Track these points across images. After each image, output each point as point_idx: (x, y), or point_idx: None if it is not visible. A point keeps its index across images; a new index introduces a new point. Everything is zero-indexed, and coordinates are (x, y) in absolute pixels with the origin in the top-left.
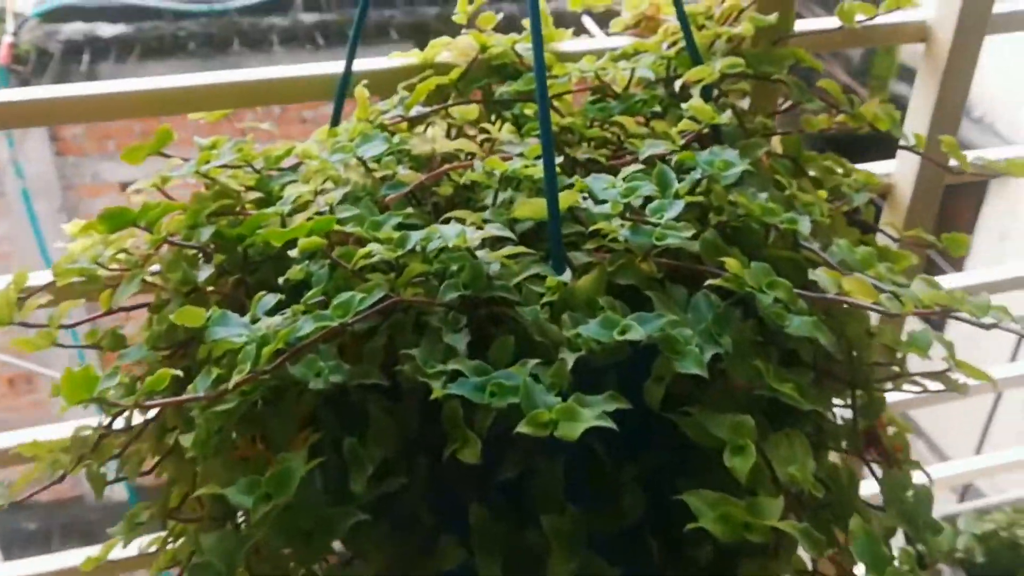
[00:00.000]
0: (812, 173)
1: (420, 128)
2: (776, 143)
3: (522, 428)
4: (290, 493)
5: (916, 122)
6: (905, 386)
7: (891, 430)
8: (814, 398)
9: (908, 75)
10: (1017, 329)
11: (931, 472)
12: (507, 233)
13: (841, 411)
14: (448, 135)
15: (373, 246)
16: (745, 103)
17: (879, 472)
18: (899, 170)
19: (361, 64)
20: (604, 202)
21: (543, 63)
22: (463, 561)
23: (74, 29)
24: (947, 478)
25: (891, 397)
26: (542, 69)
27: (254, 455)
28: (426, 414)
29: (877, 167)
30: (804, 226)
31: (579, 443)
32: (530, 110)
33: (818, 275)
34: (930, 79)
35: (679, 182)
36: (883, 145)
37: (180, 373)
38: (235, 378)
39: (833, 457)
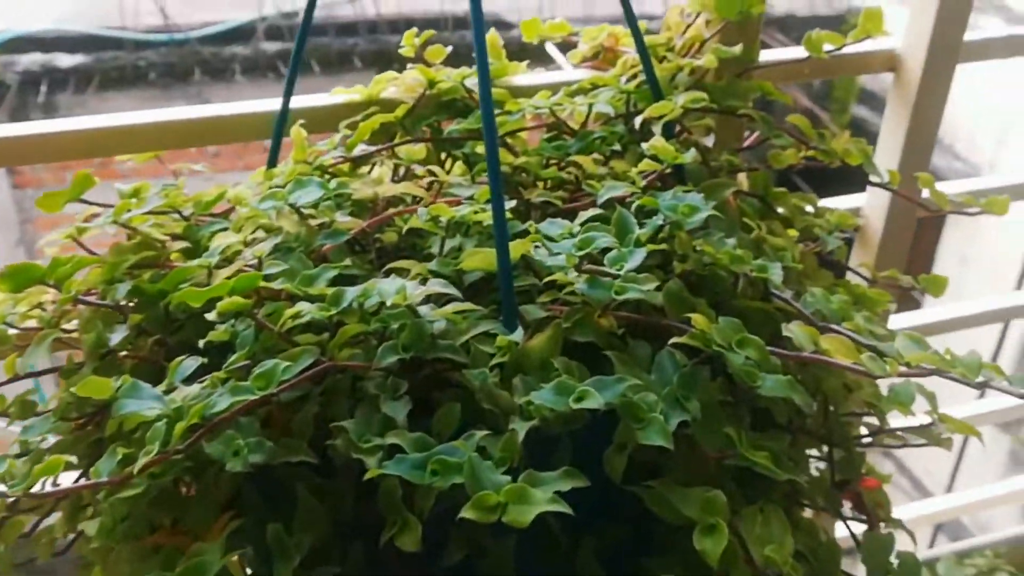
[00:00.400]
0: (781, 211)
1: (364, 169)
2: (742, 178)
3: (467, 513)
4: None
5: (886, 155)
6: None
7: (870, 479)
8: (791, 467)
9: (868, 98)
10: (1008, 389)
11: (909, 510)
12: (452, 291)
13: (817, 462)
14: (395, 176)
15: (303, 305)
16: (709, 140)
17: (855, 528)
18: (870, 204)
19: (300, 101)
20: (559, 254)
21: (490, 100)
22: None
23: (31, 60)
24: (926, 516)
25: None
26: (489, 105)
27: (170, 542)
28: (362, 493)
29: (846, 201)
30: (776, 274)
31: (535, 520)
32: (482, 148)
33: (792, 331)
34: (900, 109)
35: (640, 227)
36: (849, 172)
37: (74, 460)
38: (142, 460)
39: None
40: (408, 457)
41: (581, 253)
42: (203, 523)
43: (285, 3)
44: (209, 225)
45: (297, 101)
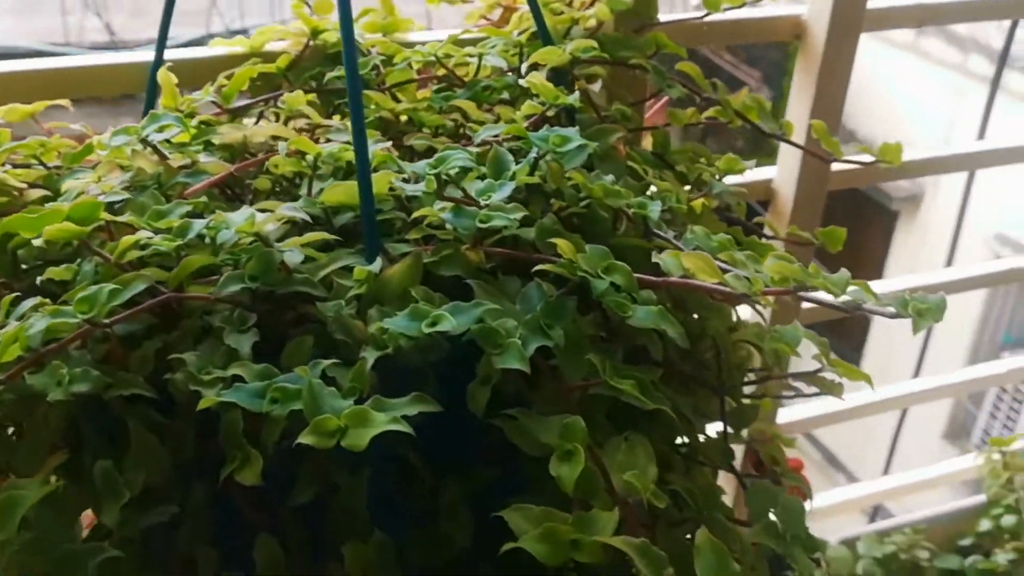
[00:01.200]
0: (680, 169)
1: (247, 122)
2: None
3: (305, 438)
4: (12, 528)
5: (795, 124)
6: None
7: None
8: (660, 398)
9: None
10: (879, 310)
11: (838, 494)
12: (302, 215)
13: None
14: None
15: (144, 233)
16: (597, 87)
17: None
18: (780, 174)
19: (177, 53)
20: (420, 180)
21: (351, 25)
22: None
23: None
24: (855, 500)
25: (794, 416)
26: (348, 17)
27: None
28: (206, 431)
29: (757, 173)
30: (654, 211)
31: (392, 456)
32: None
33: (661, 257)
34: (807, 78)
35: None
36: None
37: None
38: None
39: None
40: (247, 386)
41: (436, 172)
42: (32, 464)
43: (234, 20)
44: (71, 174)
45: (175, 53)
